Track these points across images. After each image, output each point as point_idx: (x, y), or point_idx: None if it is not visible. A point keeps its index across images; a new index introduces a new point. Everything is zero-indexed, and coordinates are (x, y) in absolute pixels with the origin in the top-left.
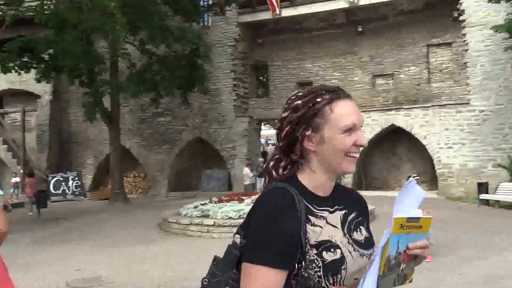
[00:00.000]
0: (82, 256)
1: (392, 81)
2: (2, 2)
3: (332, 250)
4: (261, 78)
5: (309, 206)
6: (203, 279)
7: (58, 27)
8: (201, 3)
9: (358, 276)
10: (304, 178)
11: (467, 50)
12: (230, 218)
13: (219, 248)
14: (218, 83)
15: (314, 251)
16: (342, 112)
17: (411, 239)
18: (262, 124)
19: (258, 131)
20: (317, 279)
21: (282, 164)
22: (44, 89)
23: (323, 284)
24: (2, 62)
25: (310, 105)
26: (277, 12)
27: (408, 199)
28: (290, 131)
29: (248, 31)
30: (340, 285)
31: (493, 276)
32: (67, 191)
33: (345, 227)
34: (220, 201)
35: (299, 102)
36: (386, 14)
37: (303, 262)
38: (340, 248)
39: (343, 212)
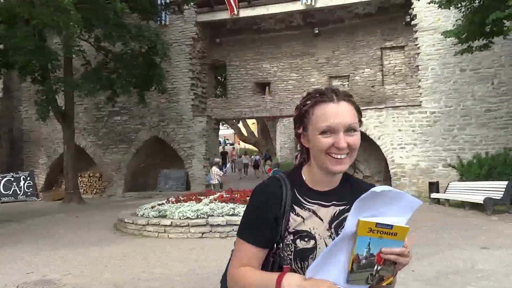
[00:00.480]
0: (33, 258)
1: (347, 82)
2: None
3: (306, 239)
4: (219, 78)
5: (299, 197)
6: None
7: (8, 22)
8: (159, 1)
9: None
10: (305, 171)
11: (418, 53)
12: (187, 218)
13: (176, 248)
14: (176, 82)
15: (291, 237)
16: (319, 114)
17: (385, 244)
18: (220, 124)
19: (217, 131)
20: (289, 261)
21: (298, 156)
22: None
23: (293, 267)
24: None
25: (302, 106)
26: (235, 12)
27: (394, 206)
28: (294, 129)
29: (206, 31)
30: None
31: (444, 272)
32: (19, 192)
33: (334, 223)
34: (178, 201)
35: (299, 103)
36: (342, 17)
37: (281, 244)
38: (315, 239)
39: (341, 208)
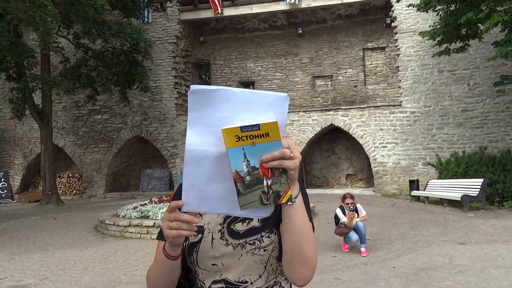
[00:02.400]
0: (7, 263)
1: (331, 82)
2: None
3: (195, 234)
4: (203, 76)
5: None
6: None
7: None
8: None
9: (217, 262)
10: None
11: (398, 55)
12: None
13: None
14: (159, 80)
15: None
16: None
17: (263, 151)
18: None
19: None
20: (186, 256)
21: None
22: None
23: (188, 260)
24: None
25: None
26: (219, 11)
27: (255, 106)
28: None
29: (190, 29)
30: (194, 266)
31: (423, 268)
32: None
33: (229, 218)
34: (161, 201)
35: None
36: (325, 18)
37: (185, 242)
38: (202, 233)
39: None
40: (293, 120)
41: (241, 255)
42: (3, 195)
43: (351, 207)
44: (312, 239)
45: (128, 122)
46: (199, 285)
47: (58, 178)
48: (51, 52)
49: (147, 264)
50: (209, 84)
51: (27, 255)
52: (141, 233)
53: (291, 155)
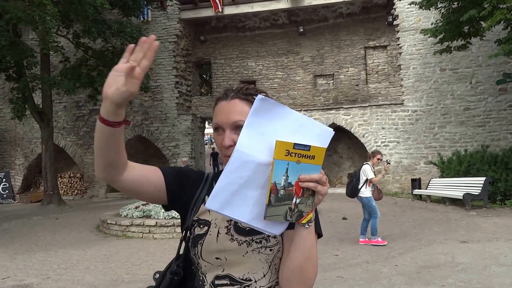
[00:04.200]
0: (9, 262)
1: (332, 81)
2: None
3: (201, 226)
4: (204, 76)
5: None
6: None
7: None
8: None
9: (221, 256)
10: None
11: (400, 53)
12: (173, 217)
13: (161, 248)
14: (160, 80)
15: (194, 224)
16: (215, 112)
17: (303, 171)
18: (206, 122)
19: (202, 130)
20: (191, 247)
21: None
22: None
23: (192, 252)
24: None
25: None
26: (219, 9)
27: (301, 134)
28: None
29: (190, 28)
30: (198, 258)
31: (425, 266)
32: None
33: None
34: None
35: None
36: (326, 16)
37: (189, 232)
38: (208, 226)
39: None
40: None
41: (246, 252)
42: (5, 195)
43: (388, 162)
44: (315, 261)
45: (129, 121)
46: (201, 278)
47: (59, 178)
48: (51, 52)
49: (150, 263)
50: (210, 83)
51: (29, 255)
52: (143, 233)
53: (325, 182)
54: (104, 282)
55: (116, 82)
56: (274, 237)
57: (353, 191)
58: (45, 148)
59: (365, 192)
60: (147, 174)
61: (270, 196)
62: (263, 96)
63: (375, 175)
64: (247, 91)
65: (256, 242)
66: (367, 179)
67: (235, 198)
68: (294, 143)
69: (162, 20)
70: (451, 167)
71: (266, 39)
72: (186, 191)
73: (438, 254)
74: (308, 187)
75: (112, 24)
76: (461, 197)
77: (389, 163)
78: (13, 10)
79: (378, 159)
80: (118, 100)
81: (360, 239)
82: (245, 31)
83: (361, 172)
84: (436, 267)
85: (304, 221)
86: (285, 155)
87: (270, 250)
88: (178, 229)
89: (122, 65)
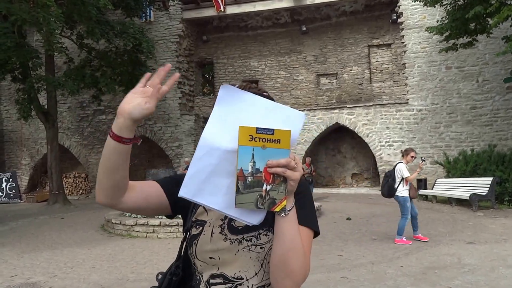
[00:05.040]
0: (17, 261)
1: (335, 80)
2: None
3: (197, 226)
4: (207, 76)
5: None
6: None
7: None
8: None
9: (214, 256)
10: None
11: (405, 51)
12: (177, 217)
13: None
14: (162, 80)
15: (192, 225)
16: None
17: (270, 156)
18: None
19: None
20: (188, 247)
21: None
22: None
23: (188, 252)
24: None
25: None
26: (222, 9)
27: (274, 116)
28: None
29: (193, 28)
30: (193, 258)
31: (431, 267)
32: (1, 194)
33: None
34: None
35: None
36: (329, 15)
37: (188, 233)
38: (203, 226)
39: None
40: None
41: (238, 250)
42: (12, 195)
43: (422, 159)
44: (300, 253)
45: None
46: (198, 277)
47: (64, 178)
48: (55, 53)
49: (154, 262)
50: (213, 83)
51: (36, 254)
52: (147, 232)
53: (295, 166)
54: (109, 281)
55: (134, 101)
56: (266, 234)
57: (390, 191)
58: (50, 149)
59: (402, 191)
60: (147, 190)
61: (238, 183)
62: (226, 85)
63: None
64: (251, 90)
65: (247, 240)
66: (403, 178)
67: (206, 186)
68: (257, 128)
69: (165, 20)
70: (457, 167)
71: (269, 38)
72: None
73: (444, 255)
74: (276, 173)
75: (115, 24)
76: (468, 198)
77: (424, 161)
78: (18, 12)
79: (412, 156)
80: (136, 115)
81: (401, 238)
82: (247, 30)
83: (396, 171)
84: (442, 268)
85: (277, 209)
86: (249, 141)
87: (261, 248)
88: (181, 229)
89: (139, 88)
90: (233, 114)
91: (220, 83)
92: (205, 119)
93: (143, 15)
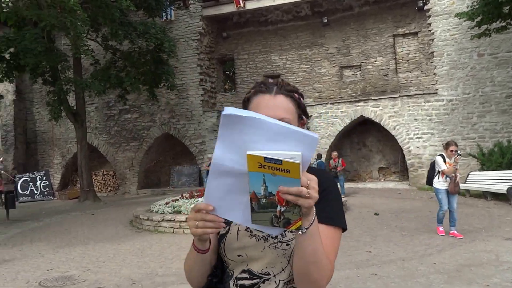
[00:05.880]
0: (53, 255)
1: (359, 72)
2: None
3: (224, 226)
4: (228, 72)
5: None
6: None
7: (18, 25)
8: None
9: (242, 253)
10: None
11: (433, 39)
12: None
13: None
14: (185, 78)
15: None
16: (255, 104)
17: (282, 182)
18: None
19: None
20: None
21: None
22: (6, 89)
23: (219, 252)
24: None
25: (246, 94)
26: (241, 4)
27: (283, 140)
28: None
29: (213, 25)
30: (223, 256)
31: (466, 265)
32: (35, 192)
33: None
34: (192, 196)
35: None
36: (351, 5)
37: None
38: (229, 225)
39: None
40: (320, 113)
41: (264, 247)
42: (45, 192)
43: (457, 153)
44: (322, 265)
45: (157, 120)
46: (229, 273)
47: (94, 176)
48: (82, 55)
49: (181, 257)
50: (234, 79)
51: (70, 248)
52: (174, 228)
53: (307, 195)
54: (139, 275)
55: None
56: (291, 231)
57: (428, 179)
58: (80, 148)
59: (436, 183)
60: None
61: (252, 203)
62: (227, 113)
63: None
64: (290, 88)
65: (272, 238)
66: (439, 171)
67: (223, 203)
68: (265, 157)
69: (185, 18)
70: (493, 159)
71: (289, 32)
72: None
73: (481, 251)
74: (288, 199)
75: (137, 25)
76: (505, 191)
77: (460, 155)
78: (47, 18)
79: (451, 151)
80: (202, 239)
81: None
82: (267, 25)
83: (435, 162)
84: (478, 266)
85: (292, 228)
86: (258, 167)
87: (287, 245)
88: None
89: (212, 217)
90: (240, 137)
91: (241, 79)
92: None
93: (164, 14)
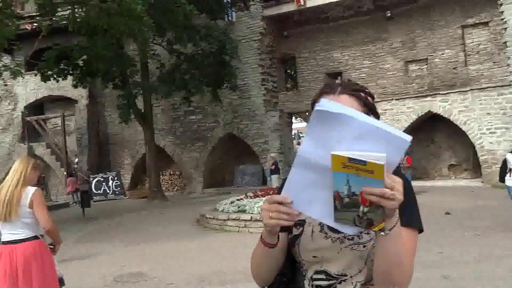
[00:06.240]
0: (125, 252)
1: (426, 66)
2: (37, 14)
3: (297, 227)
4: (289, 71)
5: None
6: None
7: (89, 34)
8: None
9: (317, 254)
10: None
11: (505, 28)
12: None
13: (256, 242)
14: (246, 78)
15: (292, 227)
16: None
17: (365, 183)
18: (293, 117)
19: (290, 125)
20: (291, 248)
21: None
22: (80, 94)
23: (293, 252)
24: (41, 70)
25: (314, 96)
26: (301, 2)
27: (371, 139)
28: None
29: (273, 24)
30: (298, 257)
31: None
32: (108, 191)
33: None
34: (256, 196)
35: None
36: None
37: (289, 235)
38: (303, 226)
39: None
40: (385, 109)
41: (340, 249)
42: (117, 192)
43: None
44: (404, 267)
45: (220, 120)
46: (304, 274)
47: (161, 176)
48: (148, 60)
49: (247, 256)
50: (295, 78)
51: (141, 246)
52: (239, 227)
53: (391, 196)
54: (207, 273)
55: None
56: (367, 233)
57: (500, 177)
58: (148, 149)
59: (508, 180)
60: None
61: (335, 202)
62: (320, 108)
63: None
64: (356, 87)
65: (348, 239)
66: (510, 169)
67: (303, 196)
68: (349, 157)
69: (246, 19)
70: None
71: (351, 28)
72: None
73: None
74: (371, 200)
75: (200, 28)
76: None
77: None
78: (116, 26)
79: None
80: (273, 231)
81: None
82: (328, 22)
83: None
84: None
85: (375, 229)
86: (342, 167)
87: (364, 246)
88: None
89: (286, 209)
90: (328, 133)
91: (303, 78)
92: (290, 115)
93: (226, 16)
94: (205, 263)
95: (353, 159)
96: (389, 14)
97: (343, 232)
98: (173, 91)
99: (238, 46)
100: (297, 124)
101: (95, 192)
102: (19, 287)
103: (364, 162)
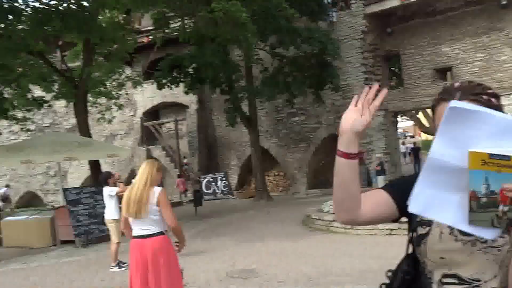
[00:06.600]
0: (235, 249)
1: None
2: (152, 28)
3: (423, 226)
4: (393, 68)
5: None
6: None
7: (198, 43)
8: (325, 0)
9: (446, 256)
10: None
11: None
12: None
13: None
14: (349, 78)
15: (416, 225)
16: (438, 113)
17: (508, 179)
18: (399, 116)
19: (395, 124)
20: (415, 247)
21: None
22: (191, 100)
23: (417, 252)
24: (157, 79)
25: (433, 101)
26: None
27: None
28: None
29: (376, 22)
30: (423, 257)
31: None
32: (217, 191)
33: None
34: None
35: None
36: None
37: (413, 233)
38: (430, 226)
39: None
40: (503, 105)
41: (472, 252)
42: (225, 191)
43: None
44: None
45: (323, 121)
46: (428, 276)
47: (266, 177)
48: (252, 64)
49: (354, 258)
50: (400, 75)
51: (250, 243)
52: (345, 228)
53: None
54: (314, 273)
55: (351, 117)
56: (502, 236)
57: None
58: (253, 150)
59: None
60: (377, 201)
61: (470, 202)
62: (454, 105)
63: None
64: (477, 91)
65: (481, 242)
66: None
67: (434, 201)
68: (490, 154)
69: (347, 18)
70: None
71: (461, 19)
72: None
73: None
74: None
75: (301, 31)
76: None
77: None
78: (222, 34)
79: None
80: (358, 128)
81: None
82: (435, 15)
83: None
84: None
85: None
86: (481, 165)
87: (498, 250)
88: (380, 226)
89: (352, 107)
90: (463, 133)
91: (408, 75)
92: (395, 114)
93: (327, 17)
94: (312, 263)
95: (495, 154)
96: (505, 2)
97: (475, 235)
98: (276, 93)
99: (339, 46)
100: (403, 123)
101: (206, 191)
102: (149, 276)
103: (508, 158)
